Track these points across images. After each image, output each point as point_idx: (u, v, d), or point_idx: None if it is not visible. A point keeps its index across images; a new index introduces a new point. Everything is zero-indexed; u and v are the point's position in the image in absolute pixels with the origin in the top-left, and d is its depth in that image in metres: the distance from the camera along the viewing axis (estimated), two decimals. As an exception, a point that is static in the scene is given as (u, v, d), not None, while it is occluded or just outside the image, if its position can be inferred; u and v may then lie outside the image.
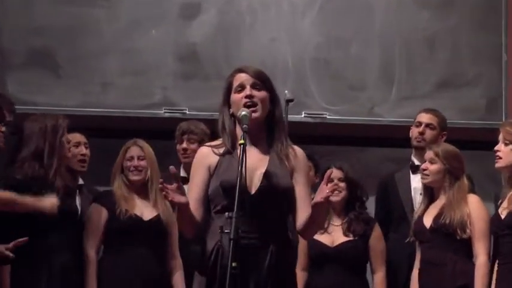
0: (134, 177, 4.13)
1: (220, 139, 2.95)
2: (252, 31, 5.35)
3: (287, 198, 2.88)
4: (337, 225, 4.22)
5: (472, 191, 4.09)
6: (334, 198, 4.11)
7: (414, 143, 4.52)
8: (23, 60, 5.29)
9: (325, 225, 4.14)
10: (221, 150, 2.91)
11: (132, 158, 4.15)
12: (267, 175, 2.84)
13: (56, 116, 4.02)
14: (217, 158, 2.90)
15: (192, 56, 5.31)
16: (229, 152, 2.90)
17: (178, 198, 2.71)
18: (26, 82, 5.26)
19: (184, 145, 4.43)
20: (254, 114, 2.86)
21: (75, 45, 5.31)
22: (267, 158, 2.89)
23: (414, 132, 4.52)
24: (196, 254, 2.91)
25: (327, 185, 2.75)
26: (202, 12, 5.37)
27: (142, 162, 4.14)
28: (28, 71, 5.28)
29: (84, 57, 5.31)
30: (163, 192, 2.67)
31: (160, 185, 2.67)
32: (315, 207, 2.79)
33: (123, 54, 5.31)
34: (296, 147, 2.99)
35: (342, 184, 4.20)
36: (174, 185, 2.68)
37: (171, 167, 2.72)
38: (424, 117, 4.52)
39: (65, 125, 3.95)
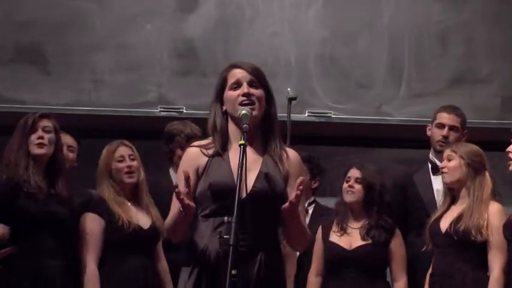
0: (129, 180, 3.99)
1: (209, 138, 2.87)
2: (253, 25, 5.30)
3: (279, 202, 2.75)
4: (355, 228, 4.16)
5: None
6: (347, 199, 4.15)
7: (437, 147, 4.38)
8: (10, 56, 5.22)
9: (344, 227, 4.14)
10: (210, 151, 2.82)
11: (123, 159, 4.00)
12: (259, 178, 2.76)
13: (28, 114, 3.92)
14: (206, 159, 2.81)
15: (189, 52, 5.26)
16: (219, 153, 2.80)
17: (189, 203, 2.63)
18: (13, 79, 5.19)
19: None
20: (253, 113, 2.77)
21: (65, 40, 5.23)
22: (260, 160, 2.81)
23: (436, 134, 4.39)
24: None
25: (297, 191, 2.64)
26: (200, 6, 5.31)
27: (135, 163, 4.01)
28: (15, 67, 5.21)
29: (74, 53, 5.23)
30: (181, 197, 2.59)
31: (176, 189, 2.61)
32: (283, 213, 2.69)
33: (116, 49, 5.25)
34: (289, 150, 2.90)
35: (358, 186, 4.15)
36: (186, 190, 2.63)
37: (185, 171, 2.66)
38: (447, 119, 4.38)
39: (30, 122, 3.79)
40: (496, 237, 3.78)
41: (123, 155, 3.99)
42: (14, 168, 3.69)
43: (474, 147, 4.02)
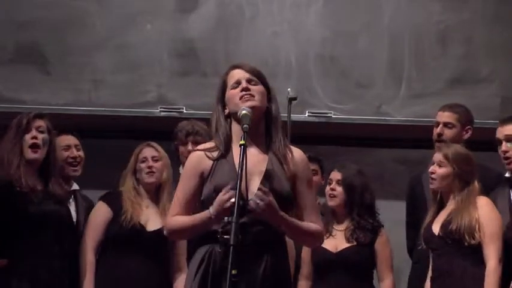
0: (149, 180, 4.02)
1: (213, 141, 2.89)
2: (253, 25, 5.28)
3: (285, 203, 2.78)
4: (340, 230, 4.16)
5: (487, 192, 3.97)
6: (330, 203, 4.16)
7: (435, 145, 4.34)
8: (10, 56, 5.21)
9: (329, 229, 4.14)
10: (215, 154, 2.84)
11: (145, 159, 4.05)
12: (264, 180, 2.78)
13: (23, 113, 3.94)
14: (210, 162, 2.83)
15: (189, 52, 5.25)
16: (223, 155, 2.82)
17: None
18: (13, 79, 5.18)
19: (190, 147, 4.25)
20: (252, 103, 2.78)
21: (65, 40, 5.22)
22: (265, 161, 2.82)
23: (434, 133, 4.37)
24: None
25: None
26: (200, 5, 5.29)
27: (157, 164, 4.04)
28: (15, 67, 5.20)
29: (74, 52, 5.22)
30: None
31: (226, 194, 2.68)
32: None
33: (116, 49, 5.24)
34: (295, 149, 2.92)
35: (339, 188, 4.15)
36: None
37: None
38: (441, 116, 4.36)
39: (24, 122, 3.81)
40: (488, 232, 3.74)
41: (146, 156, 4.03)
42: (7, 167, 3.70)
43: (466, 153, 3.95)
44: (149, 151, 4.05)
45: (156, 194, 4.04)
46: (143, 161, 4.03)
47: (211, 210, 2.69)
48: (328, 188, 4.16)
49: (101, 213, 3.97)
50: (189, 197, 2.83)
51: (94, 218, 3.97)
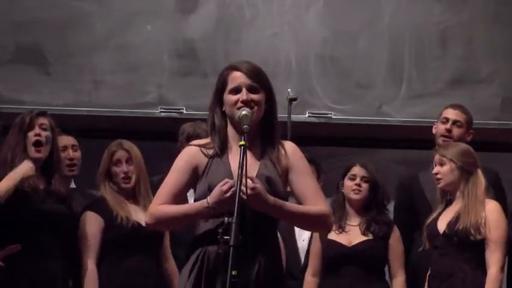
0: (124, 185, 4.00)
1: (209, 138, 2.87)
2: (253, 26, 5.28)
3: None
4: (354, 225, 4.16)
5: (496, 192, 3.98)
6: (354, 197, 4.15)
7: (440, 141, 4.34)
8: (10, 57, 5.21)
9: (342, 225, 4.14)
10: (210, 152, 2.82)
11: (120, 163, 4.00)
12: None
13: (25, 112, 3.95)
14: (205, 159, 2.81)
15: (190, 52, 5.25)
16: (218, 155, 2.80)
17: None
18: (13, 80, 5.18)
19: None
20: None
21: (65, 41, 5.23)
22: (258, 163, 2.81)
23: (440, 129, 4.35)
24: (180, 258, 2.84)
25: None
26: (200, 6, 5.30)
27: (131, 168, 4.01)
28: (15, 67, 5.20)
29: (74, 53, 5.23)
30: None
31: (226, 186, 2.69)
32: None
33: (116, 50, 5.24)
34: (285, 143, 2.90)
35: (365, 184, 4.16)
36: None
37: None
38: (452, 114, 4.35)
39: (27, 120, 3.81)
40: (494, 234, 3.76)
41: (120, 159, 3.99)
42: (10, 165, 3.70)
43: (463, 147, 4.00)
44: (123, 154, 3.99)
45: (133, 192, 4.02)
46: (117, 165, 3.99)
47: (209, 199, 2.67)
48: (351, 183, 4.13)
49: (93, 224, 3.91)
50: (178, 190, 2.80)
51: (88, 230, 3.91)
